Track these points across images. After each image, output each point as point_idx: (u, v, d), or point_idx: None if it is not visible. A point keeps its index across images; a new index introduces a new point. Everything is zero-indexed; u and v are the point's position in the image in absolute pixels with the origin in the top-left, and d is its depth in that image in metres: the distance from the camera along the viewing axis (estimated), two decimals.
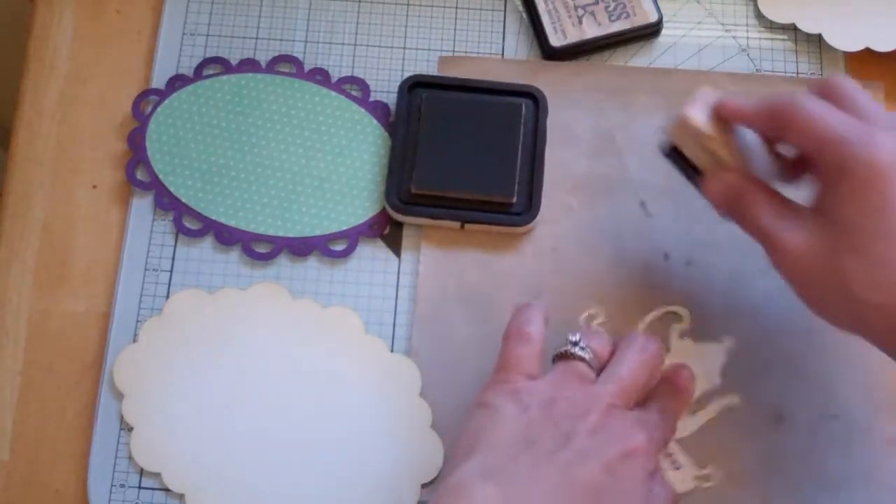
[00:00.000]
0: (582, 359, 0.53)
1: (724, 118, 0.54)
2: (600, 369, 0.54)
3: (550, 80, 0.64)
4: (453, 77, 0.64)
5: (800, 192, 0.53)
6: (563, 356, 0.54)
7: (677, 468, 0.58)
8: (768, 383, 0.59)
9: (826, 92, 0.52)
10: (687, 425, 0.58)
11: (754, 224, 0.53)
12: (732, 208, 0.54)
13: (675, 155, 0.56)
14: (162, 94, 0.64)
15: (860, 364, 0.60)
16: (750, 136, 0.54)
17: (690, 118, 0.53)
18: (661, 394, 0.55)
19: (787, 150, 0.55)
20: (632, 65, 0.66)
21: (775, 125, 0.52)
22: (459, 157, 0.61)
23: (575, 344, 0.54)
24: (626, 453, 0.49)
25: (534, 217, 0.61)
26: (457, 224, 0.62)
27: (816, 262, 0.50)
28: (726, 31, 0.67)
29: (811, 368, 0.60)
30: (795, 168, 0.54)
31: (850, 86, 0.52)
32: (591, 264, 0.62)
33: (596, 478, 0.48)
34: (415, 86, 0.64)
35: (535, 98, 0.63)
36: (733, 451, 0.58)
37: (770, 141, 0.54)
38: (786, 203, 0.53)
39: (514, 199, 0.61)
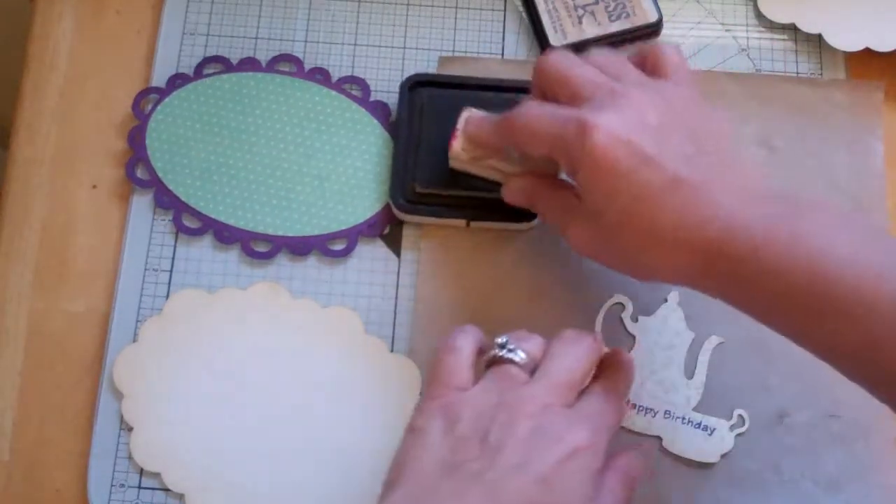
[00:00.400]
0: (511, 360, 0.51)
1: (478, 146, 0.58)
2: (534, 369, 0.51)
3: None
4: (454, 75, 0.64)
5: None
6: (493, 361, 0.52)
7: (711, 433, 0.58)
8: (769, 382, 0.59)
9: (543, 80, 0.55)
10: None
11: (549, 222, 0.57)
12: (532, 208, 0.58)
13: (472, 177, 0.60)
14: (162, 93, 0.64)
15: None
16: None
17: (456, 151, 0.58)
18: (601, 375, 0.53)
19: None
20: None
21: (511, 143, 0.56)
22: None
23: (503, 346, 0.51)
24: (566, 456, 0.47)
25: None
26: (462, 223, 0.62)
27: (595, 243, 0.54)
28: (726, 30, 0.67)
29: (812, 368, 0.59)
30: None
31: (557, 65, 0.54)
32: (591, 263, 0.61)
33: (528, 491, 0.46)
34: (416, 85, 0.63)
35: None
36: (735, 450, 0.58)
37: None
38: (567, 196, 0.55)
39: None
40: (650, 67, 0.55)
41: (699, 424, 0.58)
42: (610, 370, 0.53)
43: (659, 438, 0.58)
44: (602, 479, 0.49)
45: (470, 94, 0.63)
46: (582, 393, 0.51)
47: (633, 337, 0.60)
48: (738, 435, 0.58)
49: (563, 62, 0.54)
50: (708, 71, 0.66)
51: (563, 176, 0.58)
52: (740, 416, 0.59)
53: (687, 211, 0.49)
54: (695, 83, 0.54)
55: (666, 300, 0.61)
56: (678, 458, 0.58)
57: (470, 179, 0.60)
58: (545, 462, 0.47)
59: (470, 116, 0.58)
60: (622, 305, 0.61)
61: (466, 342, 0.52)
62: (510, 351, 0.51)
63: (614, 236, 0.52)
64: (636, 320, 0.60)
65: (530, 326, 0.56)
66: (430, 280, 0.61)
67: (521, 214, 0.61)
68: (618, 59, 0.55)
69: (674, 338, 0.60)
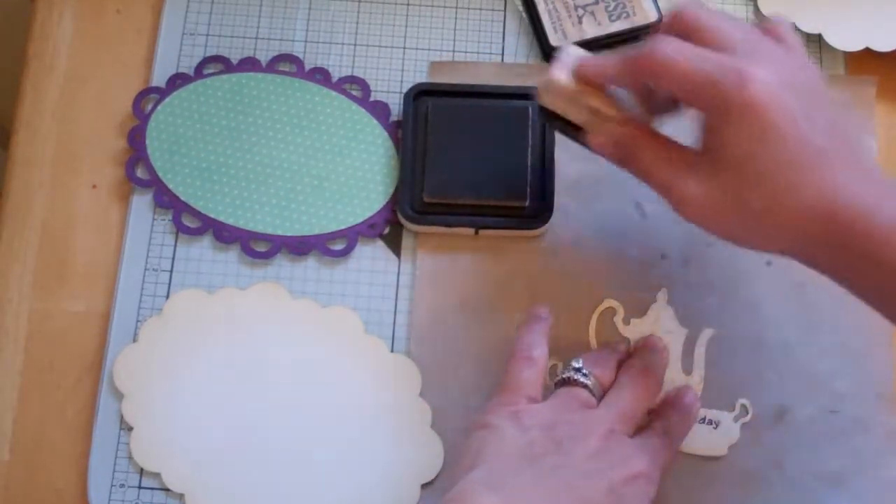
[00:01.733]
0: (584, 385, 0.54)
1: (588, 82, 0.53)
2: (602, 395, 0.54)
3: None
4: (457, 83, 0.64)
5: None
6: (565, 382, 0.54)
7: (716, 426, 0.58)
8: (769, 380, 0.60)
9: (678, 27, 0.52)
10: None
11: (650, 177, 0.53)
12: (624, 160, 0.54)
13: (554, 119, 0.56)
14: (162, 93, 0.64)
15: (859, 359, 0.60)
16: None
17: (558, 79, 0.53)
18: (664, 415, 0.56)
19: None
20: None
21: (639, 79, 0.52)
22: (469, 164, 0.61)
23: (578, 370, 0.54)
24: (630, 477, 0.50)
25: (547, 220, 0.61)
26: (471, 231, 0.61)
27: (718, 203, 0.50)
28: None
29: (811, 364, 0.60)
30: (674, 101, 0.54)
31: (699, 14, 0.51)
32: (588, 267, 0.62)
33: (599, 496, 0.49)
34: (420, 94, 0.63)
35: None
36: (737, 449, 0.58)
37: (643, 91, 0.54)
38: (675, 149, 0.52)
39: (527, 203, 0.61)
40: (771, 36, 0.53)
41: (703, 419, 0.58)
42: (671, 412, 0.56)
43: None
44: None
45: (474, 101, 0.63)
46: (641, 428, 0.54)
47: (627, 340, 0.60)
48: (744, 424, 0.58)
49: (704, 12, 0.52)
50: None
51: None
52: (743, 405, 0.59)
53: (826, 181, 0.48)
54: None
55: (655, 299, 0.61)
56: (687, 456, 0.58)
57: (477, 186, 0.60)
58: (614, 476, 0.50)
59: (577, 50, 0.54)
60: (613, 309, 0.61)
61: (542, 353, 0.55)
62: (584, 376, 0.54)
63: (742, 194, 0.49)
64: (628, 322, 0.60)
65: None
66: (428, 286, 0.61)
67: (531, 221, 0.61)
68: (747, 23, 0.53)
69: (667, 336, 0.60)
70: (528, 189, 0.61)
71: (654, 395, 0.55)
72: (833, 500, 0.57)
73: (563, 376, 0.55)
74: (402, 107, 0.63)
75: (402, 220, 0.61)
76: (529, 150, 0.61)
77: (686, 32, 0.51)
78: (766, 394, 0.59)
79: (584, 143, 0.55)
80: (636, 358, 0.57)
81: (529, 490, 0.48)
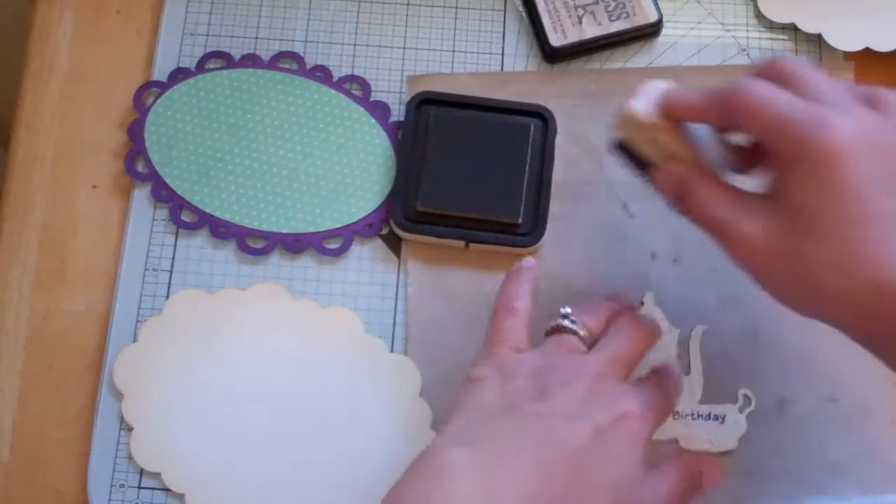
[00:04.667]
0: (573, 332, 0.53)
1: (671, 114, 0.52)
2: (592, 344, 0.53)
3: (520, 91, 0.64)
4: (463, 95, 0.64)
5: (752, 183, 0.51)
6: (554, 330, 0.54)
7: (722, 421, 0.58)
8: (767, 373, 0.60)
9: (772, 74, 0.50)
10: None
11: (707, 215, 0.51)
12: (682, 200, 0.52)
13: (624, 150, 0.54)
14: (163, 87, 0.64)
15: (857, 347, 0.60)
16: (699, 128, 0.53)
17: (635, 111, 0.52)
18: (655, 374, 0.54)
19: (739, 139, 0.53)
20: (631, 65, 0.66)
21: (724, 115, 0.50)
22: (466, 176, 0.61)
23: (565, 317, 0.53)
24: (618, 417, 0.49)
25: (539, 238, 0.61)
26: (461, 243, 0.61)
27: (776, 249, 0.48)
28: (726, 30, 0.68)
29: (809, 354, 0.60)
30: (748, 158, 0.52)
31: (796, 65, 0.50)
32: (579, 270, 0.61)
33: (583, 439, 0.47)
34: (424, 102, 0.63)
35: (544, 118, 0.63)
36: (739, 443, 0.58)
37: (722, 131, 0.52)
38: (738, 192, 0.50)
39: (520, 220, 0.61)
40: (867, 101, 0.51)
41: (709, 415, 0.58)
42: (661, 372, 0.55)
43: (676, 441, 0.58)
44: (658, 467, 0.50)
45: (477, 114, 0.62)
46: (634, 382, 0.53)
47: None
48: (748, 416, 0.58)
49: (802, 64, 0.50)
50: (675, 66, 0.66)
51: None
52: (745, 395, 0.59)
53: (892, 252, 0.45)
54: None
55: (642, 303, 0.61)
56: (697, 454, 0.58)
57: (471, 199, 0.60)
58: (600, 418, 0.48)
59: (661, 83, 0.52)
60: None
61: (523, 303, 0.54)
62: (573, 322, 0.53)
63: (801, 244, 0.47)
64: None
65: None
66: (420, 296, 0.61)
67: (522, 238, 0.61)
68: (844, 83, 0.51)
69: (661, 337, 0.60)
70: (523, 207, 0.61)
71: (646, 342, 0.54)
72: (836, 488, 0.57)
73: (552, 324, 0.54)
74: (402, 109, 0.63)
75: (394, 227, 0.61)
76: (528, 167, 0.61)
77: (779, 80, 0.50)
78: (766, 386, 0.59)
79: (647, 179, 0.54)
80: (626, 314, 0.55)
81: (503, 439, 0.47)
